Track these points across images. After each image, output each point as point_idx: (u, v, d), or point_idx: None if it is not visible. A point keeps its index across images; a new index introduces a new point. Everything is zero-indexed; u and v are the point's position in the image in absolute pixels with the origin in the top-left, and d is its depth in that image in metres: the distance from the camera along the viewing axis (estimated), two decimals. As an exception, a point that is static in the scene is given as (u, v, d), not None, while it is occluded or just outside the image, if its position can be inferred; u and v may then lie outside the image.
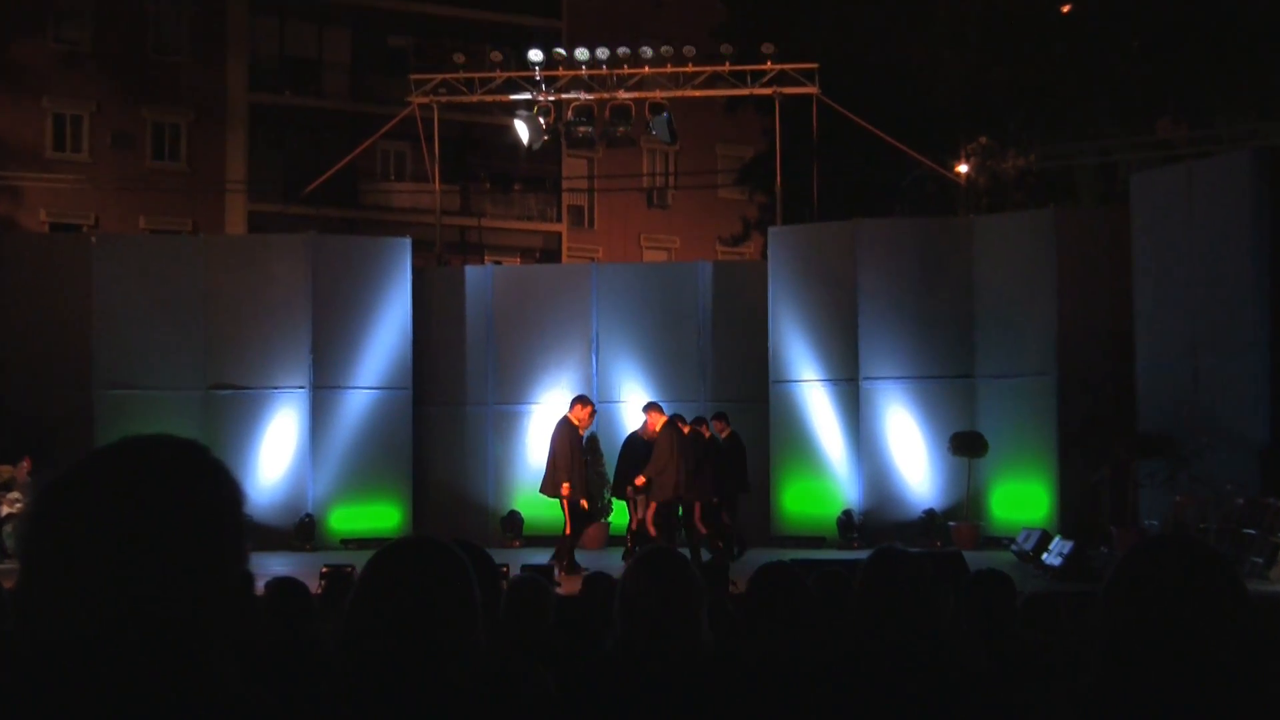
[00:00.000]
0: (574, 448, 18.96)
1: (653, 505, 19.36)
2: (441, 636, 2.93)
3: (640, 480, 19.22)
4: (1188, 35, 30.88)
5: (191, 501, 2.14)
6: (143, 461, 2.17)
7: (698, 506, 19.63)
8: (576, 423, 19.14)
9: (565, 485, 18.77)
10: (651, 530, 19.17)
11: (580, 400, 19.43)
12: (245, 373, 23.81)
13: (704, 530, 19.72)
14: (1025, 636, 6.82)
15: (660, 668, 4.20)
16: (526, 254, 46.89)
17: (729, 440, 21.12)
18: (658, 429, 19.54)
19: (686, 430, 19.68)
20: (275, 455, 23.68)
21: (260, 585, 7.46)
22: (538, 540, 22.63)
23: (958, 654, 4.64)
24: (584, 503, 19.48)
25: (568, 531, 19.05)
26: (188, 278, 23.91)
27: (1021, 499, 22.75)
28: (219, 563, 2.15)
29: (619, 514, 22.19)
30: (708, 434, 20.44)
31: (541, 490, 19.28)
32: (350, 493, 23.91)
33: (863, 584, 4.73)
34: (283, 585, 7.34)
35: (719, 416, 21.45)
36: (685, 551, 8.68)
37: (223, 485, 2.21)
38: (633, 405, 23.23)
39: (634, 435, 20.65)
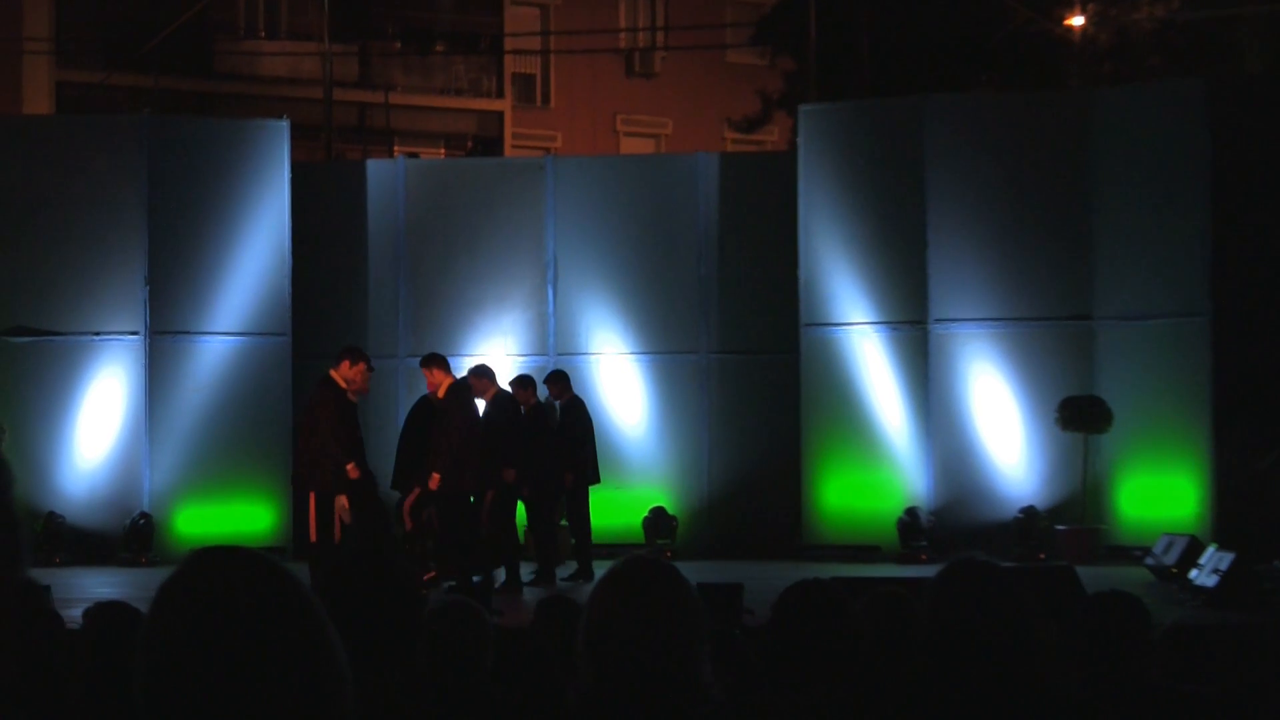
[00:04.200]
0: (342, 420, 18.36)
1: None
2: (274, 696, 2.67)
3: (434, 481, 18.92)
4: None
5: None
6: None
7: (489, 499, 19.68)
8: (344, 385, 18.59)
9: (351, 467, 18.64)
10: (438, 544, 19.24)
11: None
12: (54, 313, 23.71)
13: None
14: (1164, 685, 6.86)
15: (645, 728, 4.22)
16: (454, 143, 46.87)
17: (567, 409, 21.33)
18: (442, 393, 19.33)
19: (491, 393, 19.86)
20: (98, 429, 23.63)
21: (78, 613, 7.48)
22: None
23: (1065, 708, 4.67)
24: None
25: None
26: (-30, 177, 23.86)
27: (1160, 493, 22.81)
28: None
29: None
30: (530, 398, 20.55)
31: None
32: (203, 483, 23.87)
33: (932, 610, 4.76)
34: (108, 613, 7.35)
35: (555, 378, 21.64)
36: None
37: None
38: (606, 360, 23.24)
39: (425, 400, 20.33)
